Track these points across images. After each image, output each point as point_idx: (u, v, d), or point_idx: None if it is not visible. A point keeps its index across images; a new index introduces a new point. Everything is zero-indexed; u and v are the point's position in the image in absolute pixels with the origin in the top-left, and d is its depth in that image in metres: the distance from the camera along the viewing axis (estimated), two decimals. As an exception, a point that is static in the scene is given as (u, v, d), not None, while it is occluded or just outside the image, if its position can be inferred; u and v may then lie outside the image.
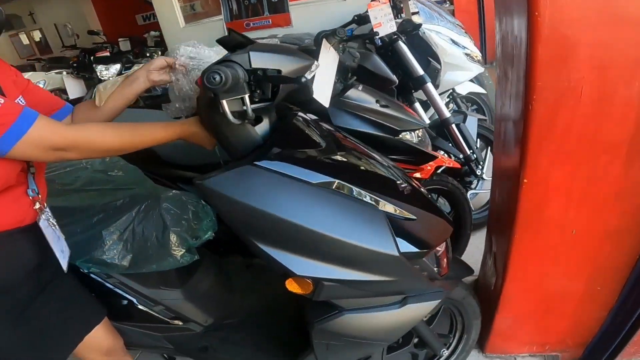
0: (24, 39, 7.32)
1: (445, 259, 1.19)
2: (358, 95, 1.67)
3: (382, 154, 1.64)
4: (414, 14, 2.65)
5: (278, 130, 1.08)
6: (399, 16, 2.68)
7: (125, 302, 1.42)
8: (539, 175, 1.18)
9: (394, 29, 2.16)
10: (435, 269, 1.16)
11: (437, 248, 1.16)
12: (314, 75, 1.15)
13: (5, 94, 0.97)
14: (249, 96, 0.91)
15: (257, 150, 1.03)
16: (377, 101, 1.70)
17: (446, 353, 1.48)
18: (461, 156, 2.19)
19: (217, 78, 0.77)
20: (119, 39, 4.76)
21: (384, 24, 2.13)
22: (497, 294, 1.48)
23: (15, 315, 1.04)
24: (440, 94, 2.69)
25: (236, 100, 0.92)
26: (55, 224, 1.10)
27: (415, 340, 1.47)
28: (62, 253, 1.13)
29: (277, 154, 0.99)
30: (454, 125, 2.20)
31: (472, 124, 2.32)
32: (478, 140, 2.40)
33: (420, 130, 1.81)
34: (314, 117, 1.26)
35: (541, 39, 1.00)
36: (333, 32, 1.42)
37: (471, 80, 2.96)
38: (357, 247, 0.96)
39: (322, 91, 1.37)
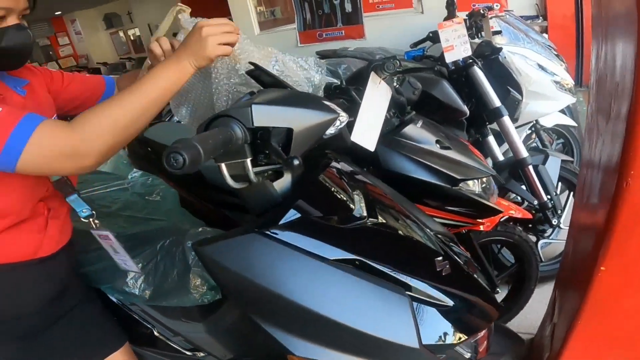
0: (122, 37, 7.85)
1: (485, 343, 1.00)
2: (416, 133, 1.49)
3: (437, 203, 1.47)
4: (495, 33, 2.38)
5: (301, 187, 0.94)
6: (479, 35, 2.43)
7: (146, 328, 1.38)
8: (620, 264, 0.94)
9: (469, 52, 1.94)
10: (468, 354, 0.96)
11: (479, 335, 0.96)
12: (349, 121, 1.01)
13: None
14: (252, 160, 0.78)
15: (275, 210, 0.90)
16: (437, 141, 1.50)
17: None
18: (535, 202, 1.92)
19: (177, 160, 0.62)
20: None
21: (457, 47, 1.92)
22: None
23: (28, 341, 1.02)
24: (520, 126, 2.42)
25: (237, 164, 0.79)
26: (112, 241, 1.11)
27: None
28: (125, 265, 1.16)
29: (289, 221, 0.85)
30: (531, 167, 1.93)
31: (553, 166, 2.03)
32: (559, 183, 2.11)
33: (490, 179, 1.59)
34: (348, 168, 1.11)
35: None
36: (383, 64, 1.25)
37: (561, 111, 2.62)
38: (371, 337, 0.81)
39: (367, 133, 1.23)
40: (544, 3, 3.53)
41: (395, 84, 1.49)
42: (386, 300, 0.84)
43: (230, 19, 4.21)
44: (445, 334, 0.88)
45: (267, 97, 0.85)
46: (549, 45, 2.63)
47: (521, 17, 3.21)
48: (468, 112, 1.97)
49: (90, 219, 1.07)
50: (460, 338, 0.90)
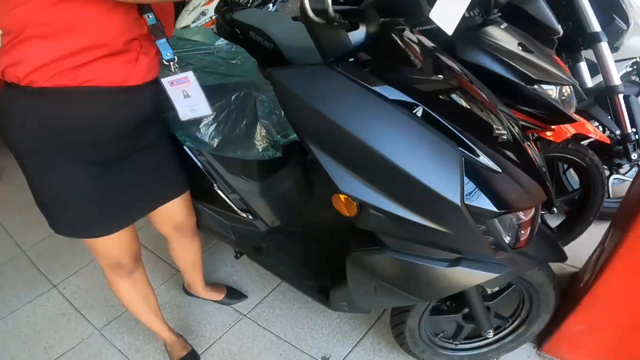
0: None
1: (526, 231, 1.01)
2: (498, 34, 1.46)
3: (510, 101, 1.45)
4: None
5: (374, 41, 0.99)
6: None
7: (207, 183, 1.54)
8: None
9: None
10: (507, 237, 0.99)
11: (520, 215, 0.99)
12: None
13: None
14: None
15: (345, 53, 0.96)
16: (519, 44, 1.46)
17: (491, 334, 1.32)
18: (617, 132, 1.82)
19: None
20: None
21: (561, -35, 1.77)
22: (582, 293, 1.26)
23: (101, 168, 1.15)
24: (621, 60, 2.23)
25: None
26: (189, 83, 1.20)
27: (465, 310, 1.34)
28: (191, 111, 1.25)
29: (359, 61, 0.91)
30: (621, 96, 1.81)
31: (648, 99, 1.89)
32: (651, 120, 1.96)
33: (567, 88, 1.53)
34: (423, 38, 1.13)
35: None
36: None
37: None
38: (415, 181, 0.87)
39: (445, 16, 1.21)
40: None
41: (484, -17, 1.44)
42: (437, 150, 0.88)
43: None
44: (490, 200, 0.90)
45: None
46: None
47: None
48: (561, 32, 1.85)
49: (171, 63, 1.17)
50: (501, 209, 0.92)
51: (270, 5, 3.25)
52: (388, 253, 1.04)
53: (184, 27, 3.44)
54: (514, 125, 1.05)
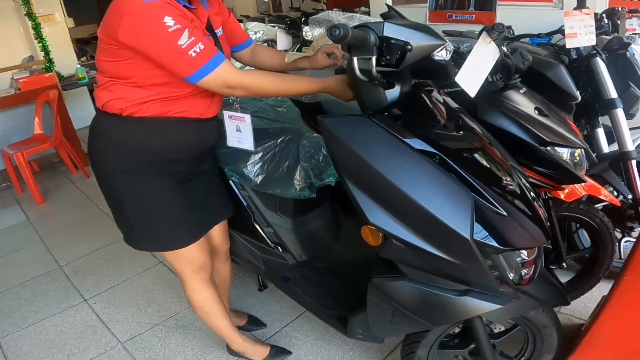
0: (265, -3, 8.68)
1: (529, 270, 1.13)
2: (516, 97, 1.62)
3: (525, 161, 1.59)
4: (630, 34, 2.33)
5: (406, 98, 1.17)
6: (616, 33, 2.38)
7: (245, 215, 1.71)
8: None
9: (592, 42, 1.96)
10: (511, 274, 1.11)
11: (523, 255, 1.11)
12: (457, 60, 1.20)
13: (213, 26, 1.32)
14: (376, 59, 1.02)
15: (382, 108, 1.14)
16: (536, 108, 1.61)
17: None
18: (630, 197, 1.92)
19: (337, 32, 0.88)
20: (334, 9, 5.20)
21: (580, 35, 1.96)
22: (583, 335, 1.33)
23: (180, 185, 1.40)
24: (636, 128, 2.36)
25: (366, 60, 1.03)
26: (244, 122, 1.45)
27: (472, 346, 1.42)
28: (238, 142, 1.49)
29: (392, 115, 1.09)
30: (634, 162, 1.93)
31: (661, 167, 1.99)
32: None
33: (579, 151, 1.66)
34: (449, 99, 1.29)
35: None
36: (493, 27, 1.40)
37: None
38: (433, 217, 1.00)
39: (469, 80, 1.39)
40: None
41: (506, 50, 1.62)
42: (453, 192, 1.02)
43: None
44: (493, 237, 1.03)
45: (396, 20, 1.10)
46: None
47: None
48: (579, 98, 2.01)
49: (235, 102, 1.46)
50: (505, 246, 1.04)
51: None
52: (406, 281, 1.17)
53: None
54: (522, 179, 1.18)
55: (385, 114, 1.11)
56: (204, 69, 1.13)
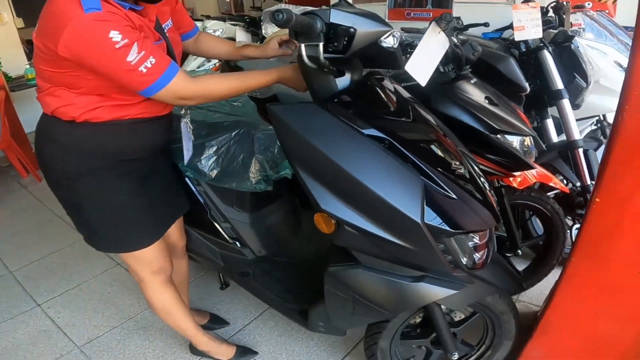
0: (227, -4, 8.58)
1: (482, 254, 1.16)
2: (467, 87, 1.66)
3: (477, 149, 1.63)
4: (576, 29, 2.43)
5: (357, 86, 1.17)
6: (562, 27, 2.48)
7: (201, 211, 1.67)
8: (613, 199, 1.07)
9: (539, 35, 2.04)
10: (464, 258, 1.13)
11: (475, 240, 1.13)
12: (405, 48, 1.21)
13: (161, 21, 1.27)
14: (324, 45, 1.02)
15: (332, 95, 1.14)
16: (486, 98, 1.66)
17: (456, 357, 1.41)
18: (578, 184, 2.00)
19: (280, 16, 0.87)
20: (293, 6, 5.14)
21: (528, 29, 2.03)
22: (538, 319, 1.37)
23: (138, 185, 1.36)
24: (585, 118, 2.46)
25: (314, 47, 1.03)
26: (190, 126, 1.45)
27: (433, 336, 1.44)
28: (187, 151, 1.47)
29: (341, 102, 1.09)
30: (581, 150, 2.01)
31: (605, 155, 2.08)
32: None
33: (528, 139, 1.71)
34: (400, 88, 1.31)
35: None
36: (441, 17, 1.43)
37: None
38: (383, 202, 1.01)
39: (420, 68, 1.41)
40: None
41: (456, 41, 1.66)
42: (403, 176, 1.03)
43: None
44: (444, 221, 1.05)
45: (342, 7, 1.09)
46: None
47: (628, 28, 3.15)
48: (528, 89, 2.07)
49: (182, 110, 1.45)
50: (456, 229, 1.06)
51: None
52: (361, 269, 1.17)
53: (190, 72, 3.69)
54: (472, 165, 1.21)
55: (336, 101, 1.11)
56: (156, 84, 1.09)
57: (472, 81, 1.70)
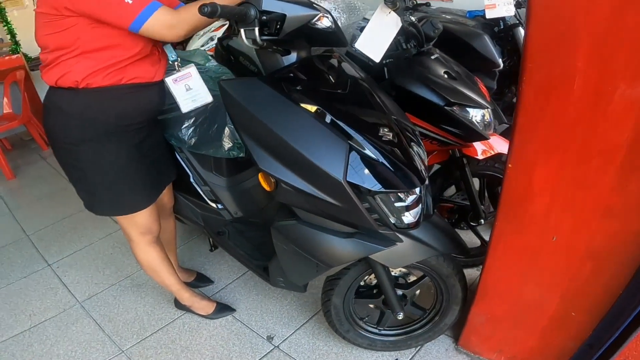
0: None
1: (413, 213, 1.26)
2: (427, 62, 1.76)
3: (434, 121, 1.73)
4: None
5: (301, 63, 1.30)
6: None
7: (185, 176, 1.84)
8: (523, 164, 1.17)
9: (511, 13, 2.10)
10: (392, 218, 1.25)
11: (407, 201, 1.25)
12: (336, 26, 1.32)
13: None
14: (259, 29, 1.14)
15: (276, 70, 1.27)
16: (445, 72, 1.75)
17: (401, 316, 1.54)
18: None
19: (205, 9, 0.99)
20: None
21: (500, 6, 2.10)
22: (476, 286, 1.47)
23: (137, 150, 1.49)
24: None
25: (251, 31, 1.15)
26: (191, 76, 1.53)
27: (382, 297, 1.55)
28: (192, 102, 1.57)
29: (280, 76, 1.22)
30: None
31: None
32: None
33: (487, 111, 1.79)
34: (346, 65, 1.42)
35: (536, 17, 0.99)
36: (393, -1, 1.52)
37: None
38: (311, 163, 1.14)
39: (371, 46, 1.52)
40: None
41: (414, 19, 1.75)
42: (329, 140, 1.15)
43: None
44: (367, 180, 1.17)
45: None
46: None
47: None
48: (501, 65, 2.15)
49: (175, 62, 1.54)
50: (378, 188, 1.18)
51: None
52: (300, 224, 1.32)
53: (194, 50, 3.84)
54: (404, 131, 1.31)
55: (280, 76, 1.24)
56: (143, 13, 1.20)
57: (433, 57, 1.79)
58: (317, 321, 1.92)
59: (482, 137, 1.72)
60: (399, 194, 1.24)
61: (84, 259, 2.48)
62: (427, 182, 1.28)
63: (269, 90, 1.20)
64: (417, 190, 1.27)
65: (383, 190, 1.19)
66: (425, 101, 1.70)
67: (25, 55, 4.46)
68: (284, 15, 1.15)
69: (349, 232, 1.29)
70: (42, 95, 4.22)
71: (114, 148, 1.43)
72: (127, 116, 1.43)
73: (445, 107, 1.68)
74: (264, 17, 1.15)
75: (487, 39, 2.16)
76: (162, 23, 1.24)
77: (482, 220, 1.98)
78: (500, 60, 2.15)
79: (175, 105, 1.59)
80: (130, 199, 1.54)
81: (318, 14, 1.20)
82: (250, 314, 1.99)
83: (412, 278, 1.65)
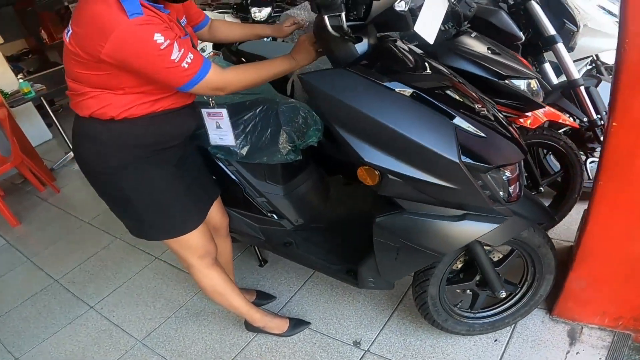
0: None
1: (515, 187, 1.25)
2: (469, 41, 1.76)
3: (488, 96, 1.73)
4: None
5: (374, 50, 1.26)
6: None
7: (237, 190, 1.77)
8: (629, 119, 1.17)
9: (524, -11, 2.12)
10: (501, 192, 1.24)
11: (507, 173, 1.23)
12: (412, 9, 1.31)
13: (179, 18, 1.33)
14: (345, 15, 1.11)
15: (356, 59, 1.23)
16: (488, 48, 1.75)
17: (503, 294, 1.52)
18: (585, 120, 2.10)
19: None
20: None
21: (515, -17, 2.11)
22: (575, 250, 1.46)
23: (178, 170, 1.45)
24: (579, 59, 2.55)
25: (336, 17, 1.12)
26: (222, 117, 1.51)
27: (478, 277, 1.53)
28: (220, 139, 1.55)
29: (366, 64, 1.19)
30: (582, 88, 2.10)
31: (607, 90, 2.16)
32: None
33: (534, 81, 1.81)
34: (413, 47, 1.40)
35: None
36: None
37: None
38: (422, 147, 1.12)
39: (427, 28, 1.49)
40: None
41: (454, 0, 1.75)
42: (436, 122, 1.14)
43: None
44: (478, 158, 1.15)
45: None
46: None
47: None
48: (523, 37, 2.16)
49: (210, 99, 1.51)
50: (490, 164, 1.17)
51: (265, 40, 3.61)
52: (407, 215, 1.28)
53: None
54: (491, 106, 1.31)
55: (362, 65, 1.20)
56: (196, 77, 1.19)
57: (473, 35, 1.80)
58: (399, 317, 1.87)
59: (537, 106, 1.73)
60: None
61: (127, 295, 2.36)
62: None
63: (360, 79, 1.17)
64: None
65: (497, 166, 1.17)
66: (476, 78, 1.69)
67: (2, 92, 4.24)
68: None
69: (459, 214, 1.26)
70: (27, 132, 4.11)
71: (154, 170, 1.39)
72: (164, 140, 1.40)
73: (500, 82, 1.67)
74: (349, 1, 1.12)
75: (504, 14, 2.17)
76: (211, 86, 1.24)
77: (541, 189, 1.99)
78: (521, 33, 2.17)
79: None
80: (180, 219, 1.49)
81: None
82: (327, 322, 1.92)
83: (499, 255, 1.63)
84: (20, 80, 4.48)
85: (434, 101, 1.16)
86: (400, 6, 1.23)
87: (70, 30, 1.16)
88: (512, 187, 1.26)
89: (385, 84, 1.15)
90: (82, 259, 2.77)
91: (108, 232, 2.98)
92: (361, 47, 1.24)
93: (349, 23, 1.13)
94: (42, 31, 7.92)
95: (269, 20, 3.34)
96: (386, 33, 1.43)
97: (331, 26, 1.13)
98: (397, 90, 1.16)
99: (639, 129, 1.18)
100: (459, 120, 1.16)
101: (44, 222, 3.45)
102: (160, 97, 1.30)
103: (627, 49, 1.10)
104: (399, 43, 1.37)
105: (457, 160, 1.11)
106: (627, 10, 1.06)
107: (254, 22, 3.32)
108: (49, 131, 5.61)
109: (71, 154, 4.58)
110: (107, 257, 2.74)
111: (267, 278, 2.24)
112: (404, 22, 1.30)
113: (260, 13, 3.26)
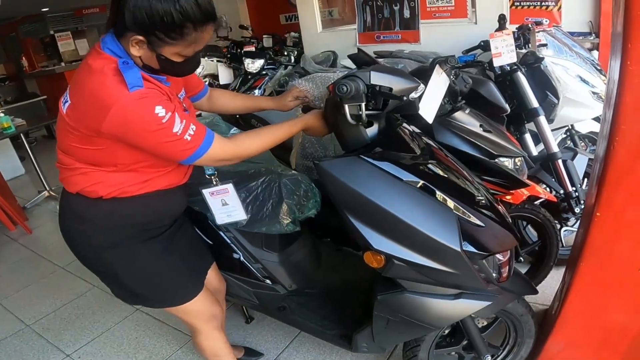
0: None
1: (506, 269, 1.34)
2: (463, 117, 1.87)
3: (477, 173, 1.83)
4: (540, 46, 2.69)
5: (384, 134, 1.34)
6: (527, 47, 2.75)
7: (234, 255, 1.80)
8: (612, 211, 1.28)
9: (514, 59, 2.28)
10: (494, 274, 1.32)
11: (499, 257, 1.32)
12: (421, 95, 1.40)
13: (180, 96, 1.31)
14: (365, 104, 1.18)
15: (365, 147, 1.30)
16: (480, 126, 1.87)
17: (489, 359, 1.58)
18: (561, 192, 2.24)
19: (344, 88, 1.04)
20: (264, 35, 5.13)
21: (504, 54, 2.27)
22: (555, 317, 1.56)
23: (169, 242, 1.42)
24: (556, 129, 2.72)
25: (355, 106, 1.19)
26: (228, 193, 1.51)
27: (465, 342, 1.62)
28: (227, 217, 1.53)
29: (379, 152, 1.26)
30: (560, 161, 2.25)
31: (581, 163, 2.33)
32: (585, 179, 2.40)
33: (519, 159, 1.93)
34: (416, 129, 1.49)
35: (631, 86, 1.12)
36: (446, 60, 1.64)
37: (596, 120, 2.89)
38: (427, 237, 1.19)
39: (428, 109, 1.60)
40: (597, 21, 3.69)
41: (453, 77, 1.86)
42: (441, 213, 1.21)
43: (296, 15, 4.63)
44: (477, 247, 1.24)
45: (379, 68, 1.27)
46: (592, 60, 2.90)
47: (574, 33, 3.45)
48: (509, 110, 2.31)
49: (212, 177, 1.51)
50: (487, 252, 1.25)
51: (256, 91, 3.68)
52: (407, 294, 1.35)
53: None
54: (486, 191, 1.40)
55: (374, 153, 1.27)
56: (199, 150, 1.15)
57: (467, 111, 1.91)
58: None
59: (523, 185, 1.84)
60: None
61: (106, 346, 2.30)
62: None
63: (372, 168, 1.23)
64: (509, 247, 1.35)
65: (493, 253, 1.25)
66: (468, 156, 1.79)
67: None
68: (390, 89, 1.18)
69: (455, 293, 1.34)
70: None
71: (142, 248, 1.35)
72: (157, 219, 1.37)
73: (490, 161, 1.78)
74: (369, 91, 1.18)
75: (492, 85, 2.31)
76: (215, 158, 1.20)
77: (521, 258, 2.09)
78: (507, 106, 2.31)
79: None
80: (177, 290, 1.46)
81: (419, 85, 1.25)
82: (314, 381, 1.94)
83: (483, 322, 1.71)
84: (1, 114, 4.22)
85: (439, 192, 1.23)
86: (413, 95, 1.32)
87: (69, 102, 1.12)
88: (504, 269, 1.35)
89: (396, 173, 1.22)
90: (57, 306, 2.68)
91: (85, 279, 2.89)
92: (371, 131, 1.32)
93: (368, 112, 1.21)
94: (23, 58, 7.80)
95: (261, 72, 3.41)
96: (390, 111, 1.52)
97: (350, 115, 1.20)
98: (405, 179, 1.23)
99: (620, 220, 1.30)
100: (462, 211, 1.23)
101: (15, 264, 3.32)
102: (153, 177, 1.27)
103: (616, 147, 1.20)
104: (405, 125, 1.46)
105: (459, 250, 1.19)
106: (620, 107, 1.16)
107: (247, 73, 3.40)
108: (21, 165, 5.41)
109: (45, 192, 4.48)
110: (84, 305, 2.66)
111: (254, 335, 2.24)
112: (413, 106, 1.39)
113: (254, 64, 3.34)
